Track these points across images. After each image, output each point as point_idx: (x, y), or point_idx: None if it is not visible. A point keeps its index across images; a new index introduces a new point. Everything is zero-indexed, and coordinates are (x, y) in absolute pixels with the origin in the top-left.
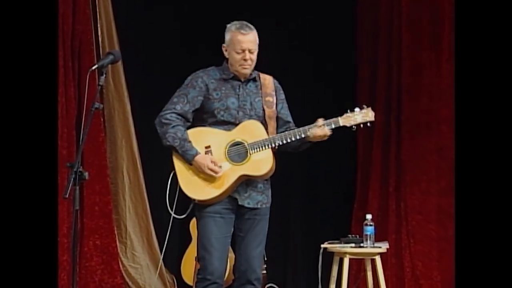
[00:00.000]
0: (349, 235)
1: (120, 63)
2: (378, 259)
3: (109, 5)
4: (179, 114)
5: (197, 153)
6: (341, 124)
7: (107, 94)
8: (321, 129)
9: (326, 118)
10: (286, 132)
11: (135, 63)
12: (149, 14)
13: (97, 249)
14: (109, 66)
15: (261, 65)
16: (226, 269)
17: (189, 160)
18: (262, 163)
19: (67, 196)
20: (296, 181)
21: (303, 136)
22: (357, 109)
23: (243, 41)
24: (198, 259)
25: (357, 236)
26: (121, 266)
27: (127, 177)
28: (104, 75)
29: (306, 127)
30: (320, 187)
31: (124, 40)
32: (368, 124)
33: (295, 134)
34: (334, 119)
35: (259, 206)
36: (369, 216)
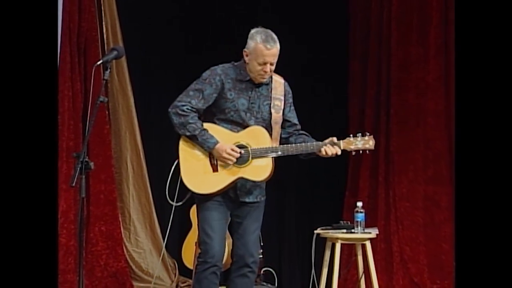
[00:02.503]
0: (341, 222)
1: (124, 59)
2: (368, 244)
3: (114, 4)
4: (193, 108)
5: (217, 142)
6: (342, 148)
7: (111, 88)
8: (332, 148)
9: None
10: (290, 145)
11: (138, 59)
12: (152, 11)
13: (103, 235)
14: (113, 61)
15: None
16: (224, 254)
17: (209, 147)
18: (261, 169)
19: (73, 184)
20: (291, 171)
21: (303, 152)
22: (359, 135)
23: (267, 55)
24: (199, 243)
25: (348, 222)
26: (125, 250)
27: (131, 167)
28: (109, 70)
29: (309, 144)
30: (313, 176)
31: (128, 36)
32: (367, 151)
33: (296, 149)
34: (336, 141)
35: (258, 199)
36: (359, 204)
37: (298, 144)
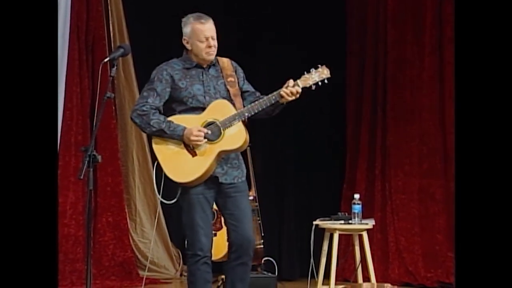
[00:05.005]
0: (339, 213)
1: (130, 56)
2: (365, 235)
3: (120, 3)
4: (152, 105)
5: (185, 128)
6: (301, 86)
7: (118, 85)
8: (292, 88)
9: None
10: (253, 104)
11: (144, 56)
12: (157, 10)
13: (110, 226)
14: (120, 58)
15: (257, 60)
16: (212, 244)
17: (179, 135)
18: (236, 136)
19: (82, 177)
20: (290, 164)
21: (268, 104)
22: (312, 69)
23: (205, 30)
24: (186, 237)
25: (346, 213)
26: (131, 241)
27: (137, 160)
28: (115, 67)
29: (270, 95)
30: (312, 169)
31: (134, 35)
32: (325, 81)
33: (260, 104)
34: (294, 82)
35: (235, 181)
36: (357, 196)
37: (261, 100)
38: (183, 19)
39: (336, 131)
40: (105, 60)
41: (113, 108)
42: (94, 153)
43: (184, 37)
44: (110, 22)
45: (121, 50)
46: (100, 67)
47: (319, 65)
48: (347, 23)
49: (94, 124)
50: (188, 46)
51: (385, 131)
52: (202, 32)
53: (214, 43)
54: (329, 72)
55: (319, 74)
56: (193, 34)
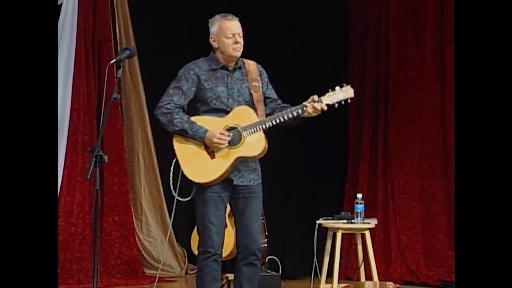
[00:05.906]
0: (342, 212)
1: (135, 58)
2: (367, 234)
3: (126, 6)
4: (177, 104)
5: (207, 130)
6: (325, 103)
7: (124, 86)
8: (317, 104)
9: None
10: (275, 114)
11: (150, 58)
12: (162, 13)
13: (116, 225)
14: (126, 60)
15: (258, 60)
16: (224, 243)
17: (201, 137)
18: (255, 144)
19: (88, 177)
20: (293, 164)
21: (290, 116)
22: (337, 88)
23: (232, 27)
24: (199, 235)
25: (349, 213)
26: (137, 239)
27: (142, 160)
28: (122, 69)
29: (293, 108)
30: (315, 169)
31: (139, 37)
32: (349, 100)
33: (282, 115)
34: (318, 98)
35: (251, 183)
36: (359, 195)
37: (284, 111)
38: (210, 20)
39: (338, 132)
40: (112, 61)
41: (119, 109)
42: (101, 153)
43: (211, 36)
44: (117, 24)
45: (127, 52)
46: (107, 69)
47: (344, 84)
48: (349, 23)
49: (101, 124)
50: (215, 44)
51: (386, 132)
52: (228, 29)
53: (241, 40)
54: (353, 92)
55: (344, 94)
56: (220, 31)
